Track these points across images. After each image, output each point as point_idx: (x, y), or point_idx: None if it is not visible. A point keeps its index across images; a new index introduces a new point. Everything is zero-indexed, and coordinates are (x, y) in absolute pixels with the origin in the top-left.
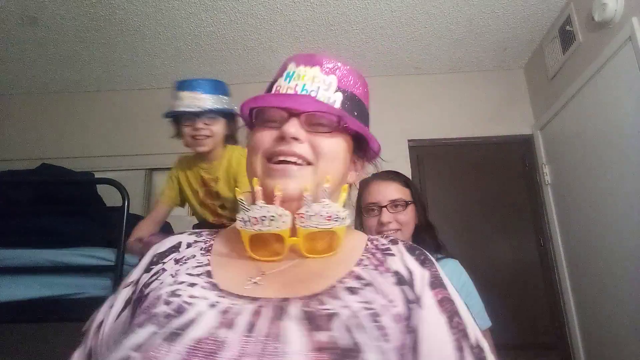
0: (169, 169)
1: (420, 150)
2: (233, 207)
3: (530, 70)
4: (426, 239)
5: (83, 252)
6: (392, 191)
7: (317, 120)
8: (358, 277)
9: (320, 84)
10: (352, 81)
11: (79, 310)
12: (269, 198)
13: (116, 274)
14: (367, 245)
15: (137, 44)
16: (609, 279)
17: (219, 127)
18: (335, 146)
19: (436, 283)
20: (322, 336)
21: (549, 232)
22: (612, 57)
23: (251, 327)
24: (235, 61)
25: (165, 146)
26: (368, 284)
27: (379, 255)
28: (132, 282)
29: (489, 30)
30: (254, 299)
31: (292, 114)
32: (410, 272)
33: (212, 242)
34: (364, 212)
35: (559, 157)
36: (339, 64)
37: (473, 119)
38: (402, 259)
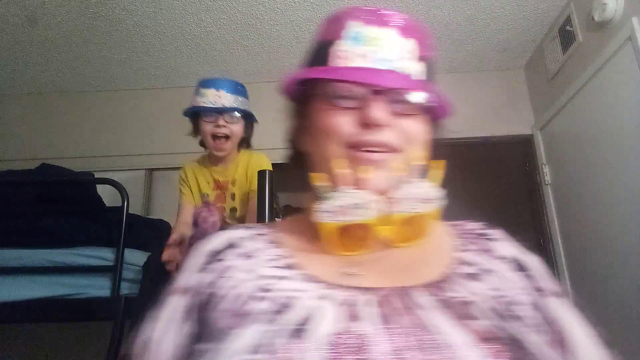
0: (169, 169)
1: None
2: (244, 214)
3: (530, 70)
4: None
5: (83, 253)
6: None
7: (404, 98)
8: (469, 263)
9: (401, 52)
10: (429, 42)
11: (79, 311)
12: (353, 183)
13: (115, 274)
14: (452, 229)
15: (137, 43)
16: (609, 278)
17: (238, 128)
18: (423, 128)
19: (548, 273)
20: (476, 325)
21: (549, 232)
22: (612, 57)
23: (385, 319)
24: (235, 61)
25: (165, 146)
26: (486, 270)
27: (480, 240)
28: (184, 287)
29: (489, 30)
30: (366, 289)
31: (376, 91)
32: (523, 259)
33: (275, 234)
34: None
35: (559, 157)
36: (417, 23)
37: (473, 119)
38: (508, 244)
